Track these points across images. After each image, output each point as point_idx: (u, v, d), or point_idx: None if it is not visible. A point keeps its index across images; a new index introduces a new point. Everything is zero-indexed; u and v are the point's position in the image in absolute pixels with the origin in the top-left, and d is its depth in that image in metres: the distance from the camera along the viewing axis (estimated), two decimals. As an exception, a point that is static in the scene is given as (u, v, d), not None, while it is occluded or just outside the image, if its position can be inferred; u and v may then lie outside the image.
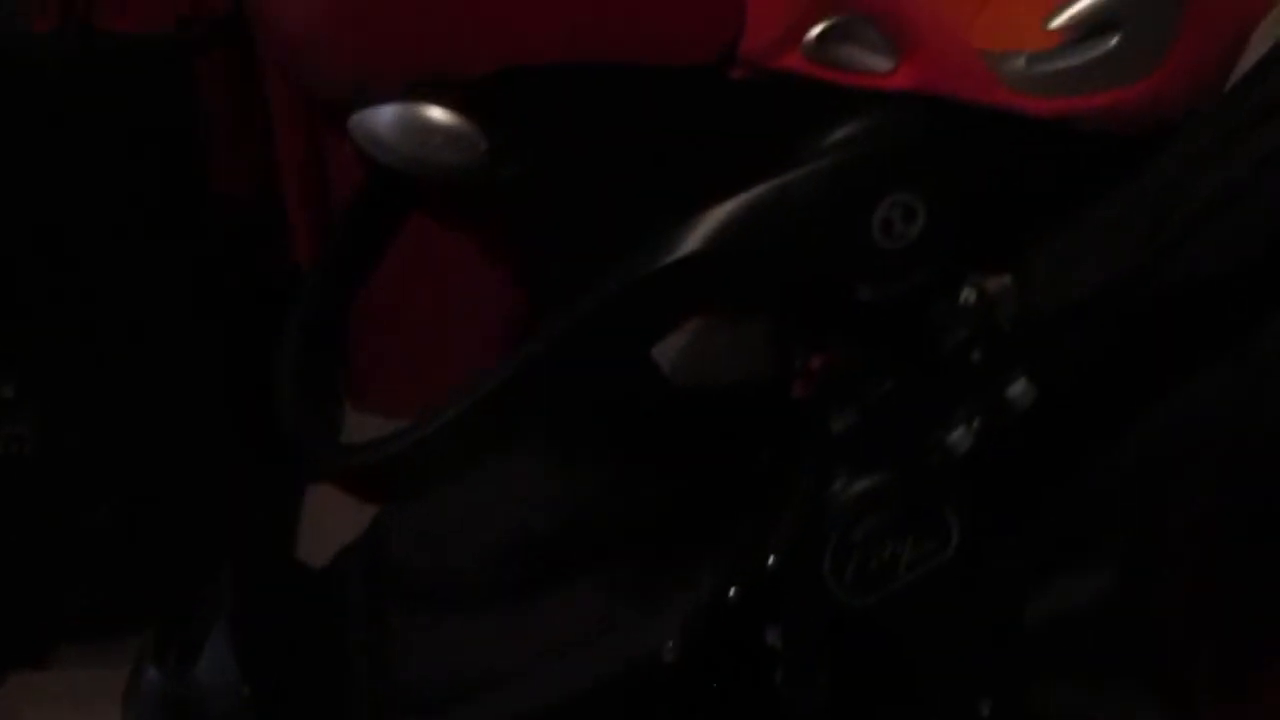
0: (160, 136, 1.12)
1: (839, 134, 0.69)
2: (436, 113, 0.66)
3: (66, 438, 1.19)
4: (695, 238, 0.68)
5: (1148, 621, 0.85)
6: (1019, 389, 0.74)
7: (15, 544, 1.21)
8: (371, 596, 0.92)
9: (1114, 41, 0.72)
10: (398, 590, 0.91)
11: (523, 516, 0.90)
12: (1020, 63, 0.72)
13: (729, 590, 0.78)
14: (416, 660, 0.87)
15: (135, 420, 1.20)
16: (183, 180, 1.14)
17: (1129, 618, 0.84)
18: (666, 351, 0.77)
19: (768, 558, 0.77)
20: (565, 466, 0.91)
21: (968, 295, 0.75)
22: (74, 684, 1.20)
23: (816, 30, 0.67)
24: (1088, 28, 0.72)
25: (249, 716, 0.85)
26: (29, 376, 1.18)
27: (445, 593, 0.90)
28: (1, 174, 1.12)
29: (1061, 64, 0.72)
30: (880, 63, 0.68)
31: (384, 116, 0.66)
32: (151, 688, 0.88)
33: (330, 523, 1.02)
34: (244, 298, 1.18)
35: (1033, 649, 0.87)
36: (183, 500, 1.21)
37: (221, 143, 1.25)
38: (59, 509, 1.21)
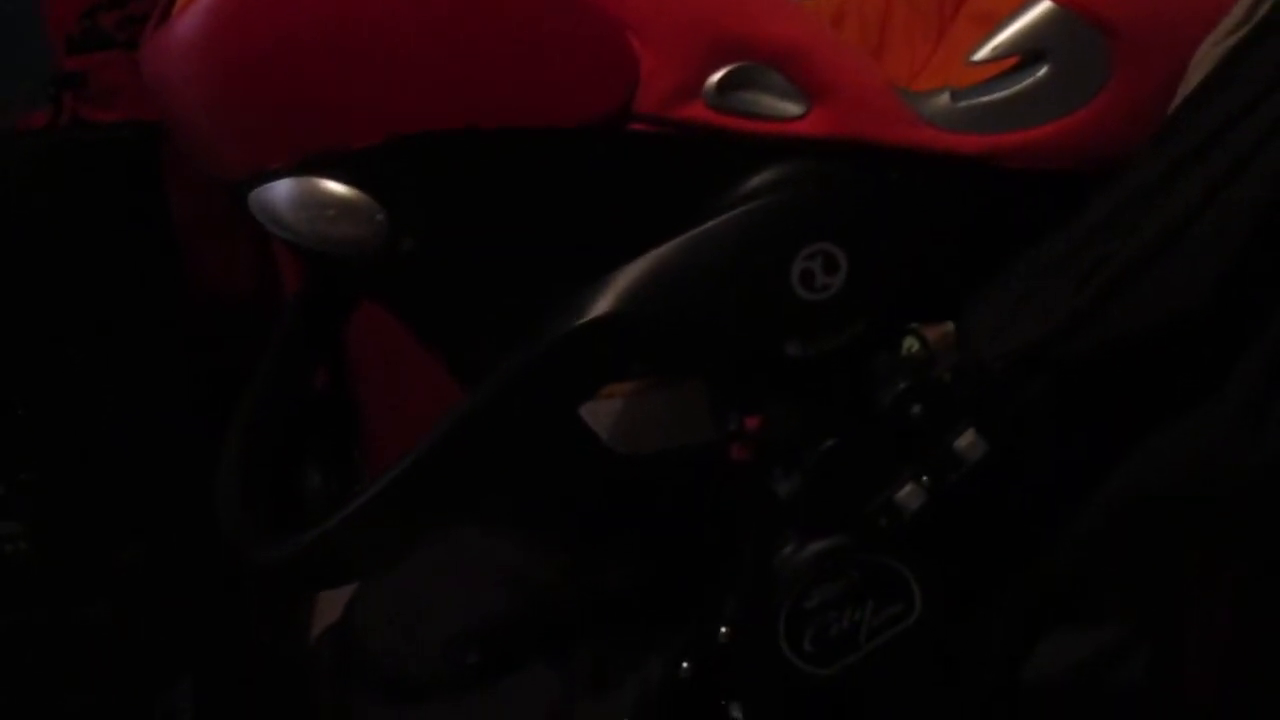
0: (134, 227, 1.12)
1: (751, 184, 0.66)
2: (330, 185, 0.64)
3: (59, 534, 1.19)
4: (607, 299, 0.65)
5: (1166, 684, 0.80)
6: (966, 441, 0.71)
7: (13, 643, 1.20)
8: (339, 689, 0.90)
9: (1042, 73, 0.69)
10: (365, 681, 0.89)
11: (483, 601, 0.88)
12: (944, 99, 0.70)
13: (680, 664, 0.75)
14: (380, 752, 0.84)
15: (125, 513, 1.19)
16: (159, 271, 1.14)
17: (1143, 681, 0.80)
18: (602, 418, 0.74)
19: (718, 630, 0.74)
20: (523, 549, 0.89)
21: (909, 345, 0.71)
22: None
23: (716, 78, 0.65)
24: (1014, 59, 0.69)
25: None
26: (20, 474, 1.18)
27: (410, 682, 0.87)
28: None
29: (987, 99, 0.69)
30: (789, 108, 0.66)
31: (279, 192, 0.65)
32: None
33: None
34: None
35: (1034, 712, 0.83)
36: (176, 595, 1.20)
37: (212, 240, 1.25)
38: (55, 606, 1.20)
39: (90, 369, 1.16)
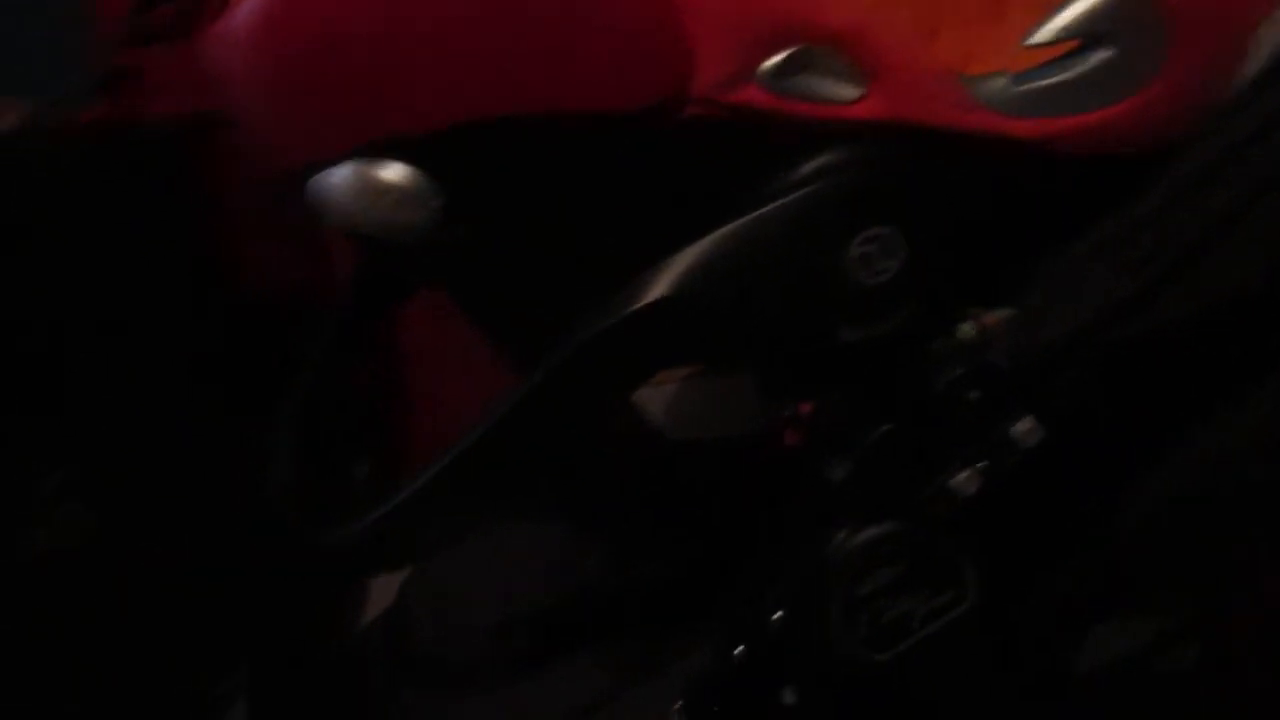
0: (183, 219, 1.13)
1: (806, 168, 0.66)
2: (387, 172, 0.64)
3: (119, 522, 1.20)
4: (662, 283, 0.65)
5: (1218, 673, 0.80)
6: (1024, 427, 0.70)
7: (73, 628, 1.22)
8: (389, 675, 0.90)
9: (1101, 57, 0.68)
10: (414, 667, 0.90)
11: (531, 589, 0.88)
12: (1001, 83, 0.69)
13: (734, 649, 0.75)
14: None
15: (183, 502, 1.20)
16: (208, 263, 1.15)
17: (1194, 671, 0.79)
18: (655, 406, 0.74)
19: (772, 614, 0.73)
20: (572, 537, 0.89)
21: (965, 330, 0.71)
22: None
23: (773, 61, 0.64)
24: (1074, 42, 0.69)
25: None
26: (81, 461, 1.19)
27: (457, 669, 0.88)
28: (36, 266, 1.14)
29: (1046, 82, 0.69)
30: (846, 91, 0.66)
31: (335, 179, 0.65)
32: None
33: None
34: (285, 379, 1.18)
35: (1085, 702, 0.83)
36: (231, 584, 1.20)
37: (263, 232, 1.26)
38: (114, 592, 1.21)
39: (146, 359, 1.17)
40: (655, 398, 0.73)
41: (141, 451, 1.19)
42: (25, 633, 1.18)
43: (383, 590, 0.99)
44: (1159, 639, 0.83)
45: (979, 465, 0.71)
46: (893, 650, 0.74)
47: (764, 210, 0.65)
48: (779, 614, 0.74)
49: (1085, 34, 0.68)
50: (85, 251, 1.13)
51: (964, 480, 0.71)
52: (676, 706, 0.75)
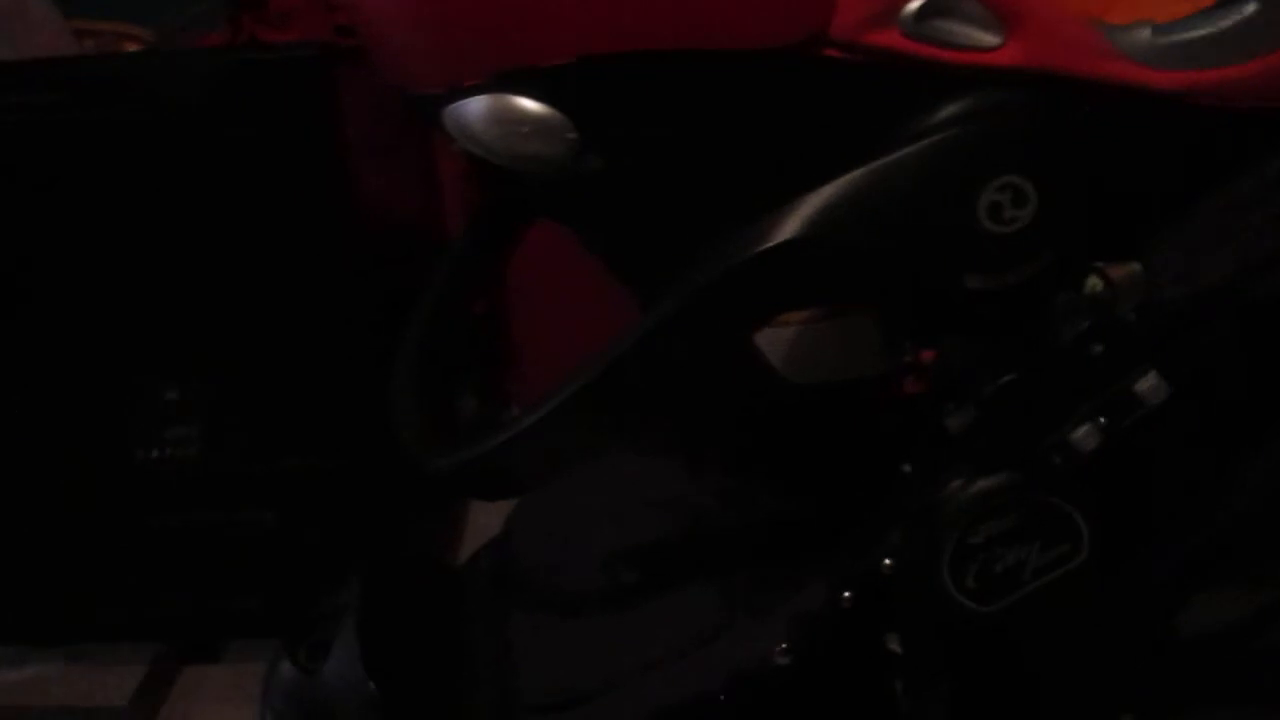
0: (308, 147, 1.15)
1: (941, 114, 0.66)
2: (524, 102, 0.65)
3: (229, 440, 1.23)
4: (792, 224, 0.65)
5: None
6: (1148, 384, 0.70)
7: (185, 543, 1.26)
8: (497, 598, 0.92)
9: (1244, 13, 0.67)
10: (522, 592, 0.91)
11: (643, 521, 0.89)
12: (1145, 34, 0.68)
13: (842, 593, 0.75)
14: (538, 662, 0.86)
15: (292, 424, 1.23)
16: (331, 190, 1.16)
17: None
18: (777, 348, 0.75)
19: (882, 560, 0.74)
20: (685, 472, 0.90)
21: (1093, 283, 0.70)
22: (241, 679, 1.24)
23: (914, 5, 0.64)
24: (1220, -4, 0.68)
25: (374, 711, 0.85)
26: (192, 381, 1.22)
27: (567, 595, 0.89)
28: (164, 186, 1.17)
29: (1188, 35, 0.68)
30: (986, 38, 0.65)
31: (473, 108, 0.66)
32: (284, 684, 0.90)
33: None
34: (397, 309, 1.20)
35: (1188, 667, 0.82)
36: (338, 503, 1.23)
37: (375, 158, 1.28)
38: (225, 509, 1.25)
39: (262, 283, 1.19)
40: (778, 339, 0.74)
41: (255, 370, 1.22)
42: (133, 538, 1.23)
43: (491, 517, 1.01)
44: (1266, 611, 0.82)
45: (1100, 420, 0.71)
46: (1001, 602, 0.74)
47: (897, 154, 0.65)
48: (888, 560, 0.74)
49: (1236, -16, 0.67)
50: (212, 170, 1.16)
51: (1084, 435, 0.71)
52: (781, 647, 0.76)
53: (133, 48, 1.42)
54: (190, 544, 1.26)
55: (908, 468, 0.74)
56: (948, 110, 0.66)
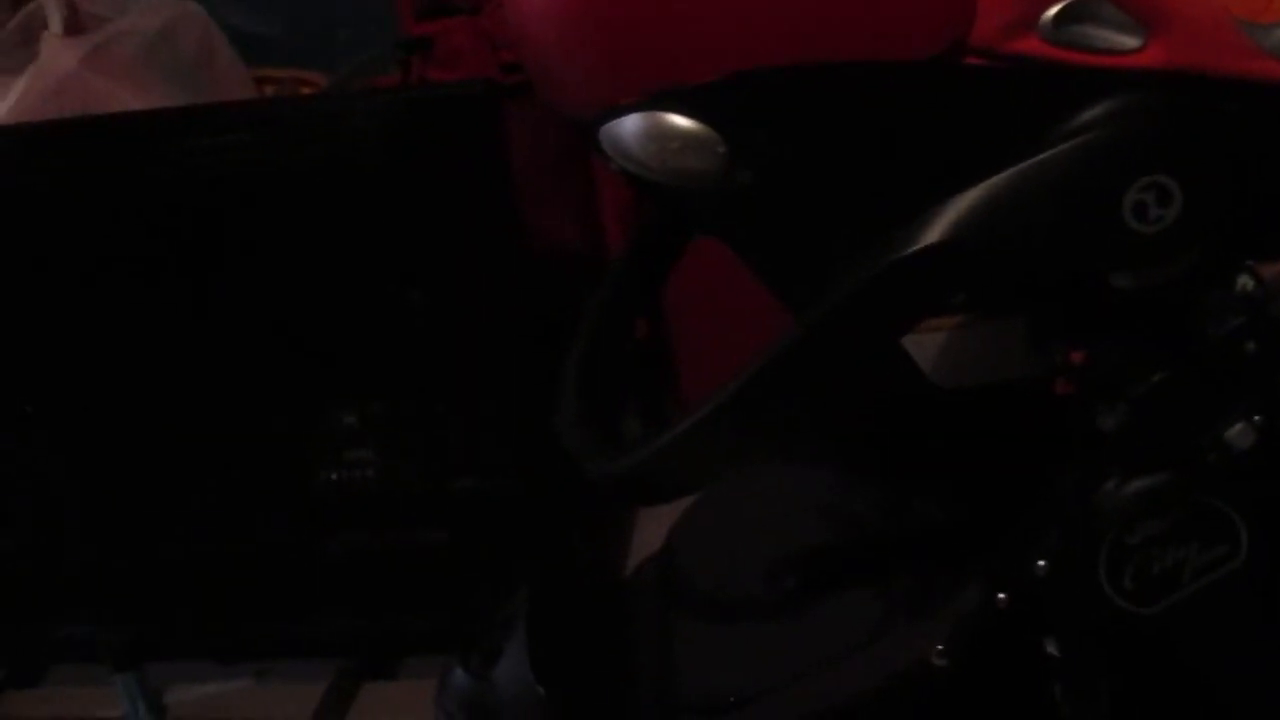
0: (478, 178, 1.20)
1: (1083, 117, 0.67)
2: (676, 119, 0.68)
3: (404, 464, 1.28)
4: (940, 227, 0.66)
5: None
6: (1303, 380, 0.70)
7: (362, 563, 1.31)
8: (660, 607, 0.94)
9: (1393, 4, 0.67)
10: (684, 601, 0.94)
11: (801, 531, 0.91)
12: (1287, 33, 0.68)
13: (998, 595, 0.76)
14: (700, 667, 0.88)
15: (463, 446, 1.28)
16: (501, 221, 1.21)
17: None
18: (927, 352, 0.76)
19: (1037, 562, 0.75)
20: (843, 482, 0.91)
21: (1244, 282, 0.71)
22: (418, 694, 1.28)
23: (1053, 11, 0.66)
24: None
25: (541, 713, 0.88)
26: (369, 406, 1.28)
27: (727, 603, 0.91)
28: (343, 220, 1.23)
29: (1335, 32, 0.68)
30: (1126, 41, 0.66)
31: (628, 125, 0.69)
32: (457, 688, 0.94)
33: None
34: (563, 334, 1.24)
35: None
36: (508, 523, 1.27)
37: (540, 189, 1.32)
38: (399, 529, 1.30)
39: (435, 312, 1.24)
40: (928, 344, 0.75)
41: (428, 394, 1.27)
42: (315, 559, 1.28)
43: (656, 531, 1.03)
44: None
45: (1255, 419, 0.71)
46: (1160, 604, 0.74)
47: (1041, 157, 0.66)
48: (1043, 562, 0.75)
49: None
50: (388, 204, 1.21)
51: (1239, 433, 0.71)
52: (938, 649, 0.77)
53: (309, 92, 1.50)
54: (368, 564, 1.31)
55: (1062, 469, 0.75)
56: (1090, 113, 0.67)
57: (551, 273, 1.31)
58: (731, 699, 0.85)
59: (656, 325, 1.50)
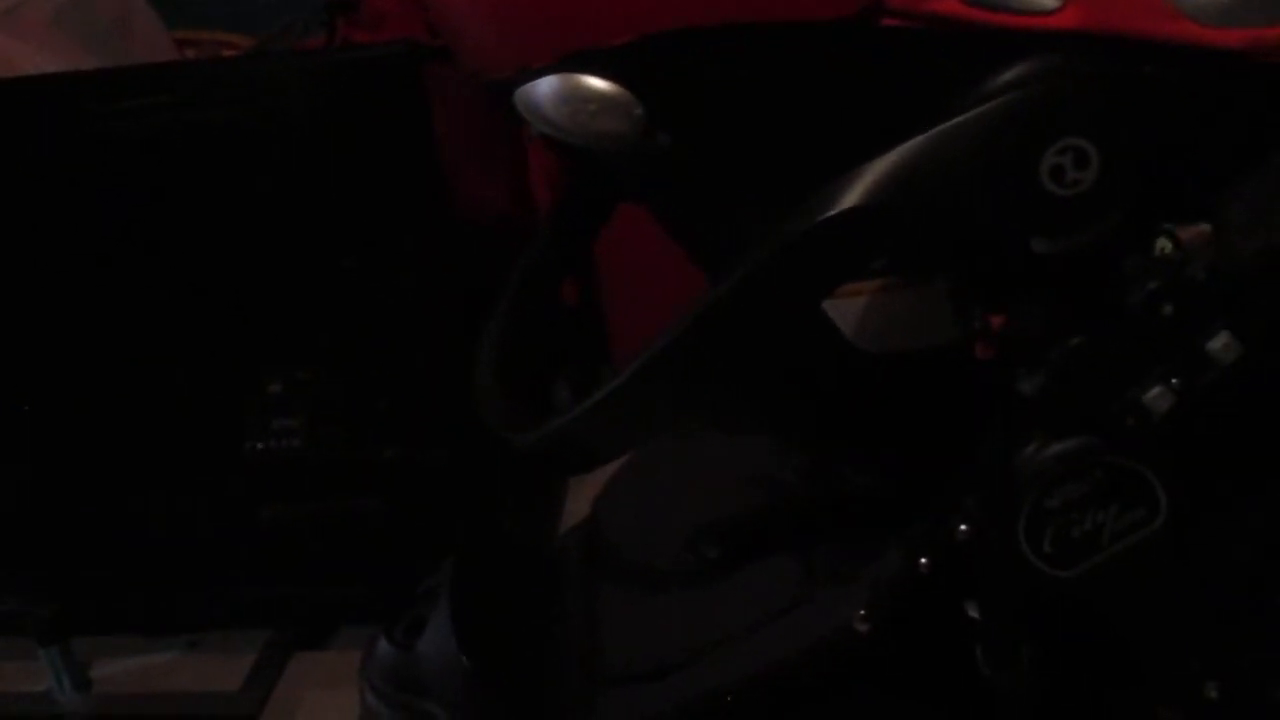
0: (400, 142, 1.18)
1: (1000, 79, 0.66)
2: (591, 81, 0.67)
3: (330, 431, 1.27)
4: (858, 190, 0.66)
5: None
6: (1220, 343, 0.70)
7: (292, 533, 1.30)
8: (585, 577, 0.94)
9: (1308, -35, 0.67)
10: (608, 570, 0.94)
11: (725, 499, 0.90)
12: (1204, -6, 0.68)
13: (919, 560, 0.76)
14: (623, 635, 0.88)
15: (391, 415, 1.26)
16: (423, 184, 1.19)
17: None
18: (846, 317, 0.76)
19: (958, 526, 0.75)
20: (767, 451, 0.91)
21: (1162, 245, 0.70)
22: (348, 663, 1.27)
23: (968, -28, 0.65)
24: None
25: (468, 685, 0.88)
26: (296, 374, 1.26)
27: (651, 572, 0.91)
28: (263, 184, 1.21)
29: (1254, -9, 0.67)
30: (1043, 2, 0.66)
31: (543, 88, 0.68)
32: (381, 660, 0.93)
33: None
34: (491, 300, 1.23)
35: (1275, 635, 0.81)
36: (439, 492, 1.26)
37: (468, 152, 1.31)
38: (327, 498, 1.29)
39: (362, 278, 1.23)
40: (847, 309, 0.75)
41: (354, 362, 1.26)
42: (244, 529, 1.27)
43: (579, 500, 1.03)
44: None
45: (1172, 381, 0.71)
46: (1079, 567, 0.75)
47: (957, 120, 0.66)
48: (964, 526, 0.75)
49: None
50: (309, 168, 1.20)
51: (1157, 396, 0.71)
52: (860, 614, 0.77)
53: (232, 55, 1.47)
54: (297, 533, 1.30)
55: (981, 433, 0.74)
56: (1007, 75, 0.66)
57: (480, 237, 1.30)
58: (653, 667, 0.85)
59: (589, 292, 1.49)
